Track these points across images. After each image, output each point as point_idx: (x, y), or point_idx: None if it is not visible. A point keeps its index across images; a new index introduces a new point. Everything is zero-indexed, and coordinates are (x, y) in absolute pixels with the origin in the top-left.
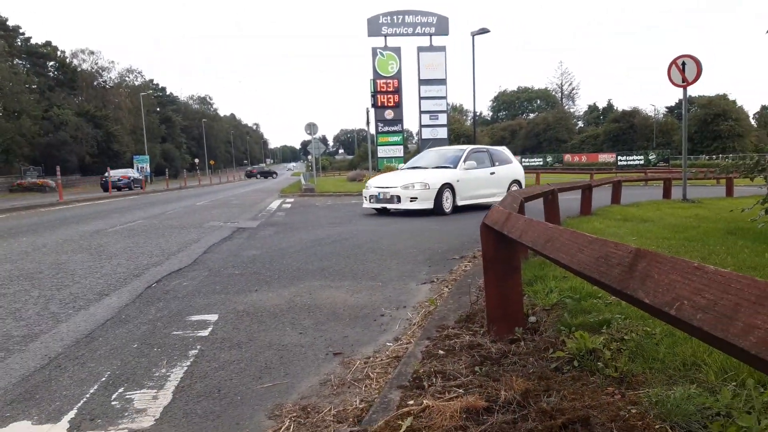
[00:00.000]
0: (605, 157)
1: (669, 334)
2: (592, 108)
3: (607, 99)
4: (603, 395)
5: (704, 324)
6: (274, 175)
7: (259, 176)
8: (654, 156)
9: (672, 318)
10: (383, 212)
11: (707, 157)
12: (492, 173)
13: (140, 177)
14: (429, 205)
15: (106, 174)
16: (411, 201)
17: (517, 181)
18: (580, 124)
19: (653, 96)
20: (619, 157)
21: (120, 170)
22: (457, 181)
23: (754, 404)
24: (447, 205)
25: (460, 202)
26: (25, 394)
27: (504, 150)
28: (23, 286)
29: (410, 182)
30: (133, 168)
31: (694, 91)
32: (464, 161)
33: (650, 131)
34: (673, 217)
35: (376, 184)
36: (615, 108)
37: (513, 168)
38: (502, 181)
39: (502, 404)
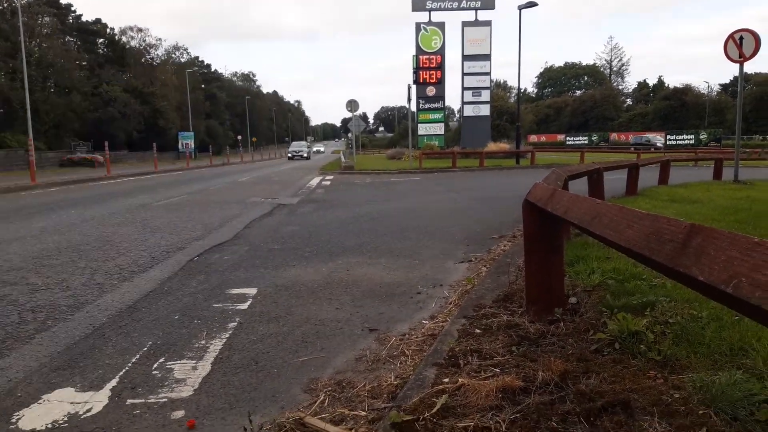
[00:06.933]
0: (653, 137)
1: (716, 318)
2: (642, 85)
3: (657, 75)
4: (645, 379)
5: (764, 302)
6: None
7: None
8: (705, 135)
9: (728, 297)
10: (426, 191)
11: (761, 137)
12: None
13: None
14: None
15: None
16: None
17: None
18: (629, 101)
19: (707, 72)
20: (668, 136)
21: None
22: None
23: None
24: None
25: None
26: (70, 361)
27: None
28: (71, 257)
29: None
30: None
31: (750, 67)
32: None
33: (702, 109)
34: (724, 198)
35: None
36: (666, 85)
37: None
38: None
39: (540, 385)
